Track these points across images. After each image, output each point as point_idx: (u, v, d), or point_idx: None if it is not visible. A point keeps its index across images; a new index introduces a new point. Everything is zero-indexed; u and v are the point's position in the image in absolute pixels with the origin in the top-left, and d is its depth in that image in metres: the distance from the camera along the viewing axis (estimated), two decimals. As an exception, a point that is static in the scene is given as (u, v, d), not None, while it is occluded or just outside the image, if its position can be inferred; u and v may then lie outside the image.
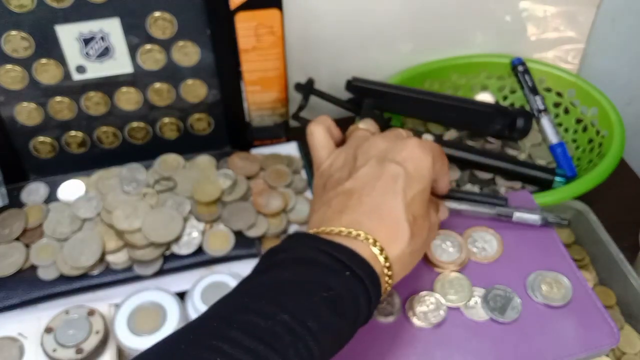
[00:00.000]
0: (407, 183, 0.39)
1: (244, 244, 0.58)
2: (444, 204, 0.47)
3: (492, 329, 0.43)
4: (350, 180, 0.40)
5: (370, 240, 0.37)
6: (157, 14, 0.58)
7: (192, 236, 0.58)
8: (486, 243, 0.49)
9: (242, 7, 0.60)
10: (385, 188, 0.39)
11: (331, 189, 0.41)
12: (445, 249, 0.48)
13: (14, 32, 0.56)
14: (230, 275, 0.53)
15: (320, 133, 0.45)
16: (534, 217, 0.49)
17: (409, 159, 0.40)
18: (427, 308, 0.44)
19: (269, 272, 0.36)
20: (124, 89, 0.63)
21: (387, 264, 0.37)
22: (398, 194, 0.39)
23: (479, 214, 0.50)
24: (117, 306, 0.51)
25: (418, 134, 0.61)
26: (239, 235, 0.59)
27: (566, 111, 0.73)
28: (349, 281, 0.35)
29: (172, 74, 0.63)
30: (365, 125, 0.46)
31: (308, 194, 0.64)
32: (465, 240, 0.49)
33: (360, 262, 0.36)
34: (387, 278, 0.37)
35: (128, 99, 0.63)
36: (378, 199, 0.39)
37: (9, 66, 0.58)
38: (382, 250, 0.37)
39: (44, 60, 0.59)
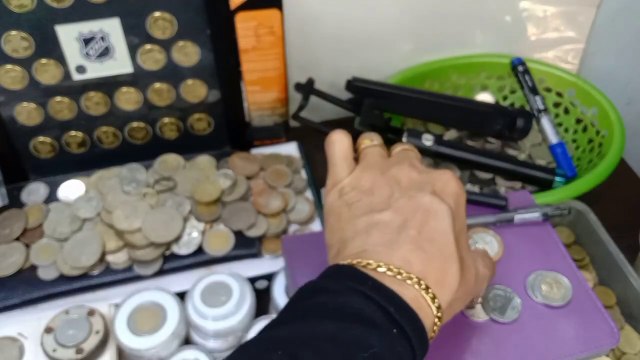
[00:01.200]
0: (452, 218, 0.35)
1: (244, 244, 0.58)
2: (489, 257, 0.42)
3: (492, 329, 0.43)
4: (389, 211, 0.36)
5: (423, 286, 0.33)
6: (157, 14, 0.58)
7: (192, 236, 0.58)
8: (487, 244, 0.48)
9: (242, 7, 0.60)
10: (430, 223, 0.35)
11: (362, 214, 0.36)
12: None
13: (14, 32, 0.56)
14: (230, 276, 0.53)
15: (344, 143, 0.40)
16: (534, 215, 0.49)
17: (448, 194, 0.37)
18: (427, 308, 0.44)
19: (308, 320, 0.32)
20: (124, 89, 0.63)
21: (439, 314, 0.33)
22: (446, 230, 0.35)
23: (479, 224, 0.50)
24: (117, 306, 0.51)
25: (418, 134, 0.61)
26: (239, 235, 0.59)
27: (566, 111, 0.73)
28: (394, 340, 0.31)
29: (172, 74, 0.63)
30: (376, 141, 0.42)
31: (308, 194, 0.64)
32: (466, 241, 0.49)
33: (409, 316, 0.32)
34: (435, 327, 0.34)
35: (128, 99, 0.63)
36: (426, 235, 0.35)
37: (9, 66, 0.58)
38: (434, 298, 0.33)
39: (44, 60, 0.59)
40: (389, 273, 0.33)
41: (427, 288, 0.33)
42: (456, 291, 0.35)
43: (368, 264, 0.33)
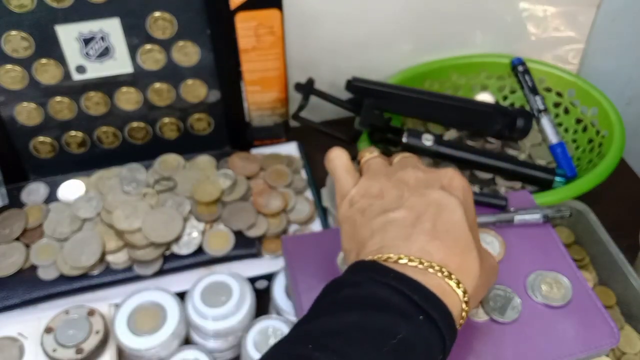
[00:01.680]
0: (463, 210, 0.37)
1: (244, 244, 0.58)
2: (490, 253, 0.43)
3: (492, 329, 0.43)
4: (401, 209, 0.37)
5: (445, 273, 0.34)
6: (157, 14, 0.58)
7: (192, 236, 0.58)
8: (487, 245, 0.48)
9: (242, 7, 0.60)
10: (443, 216, 0.36)
11: (376, 215, 0.38)
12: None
13: (14, 32, 0.56)
14: (230, 276, 0.53)
15: (343, 157, 0.42)
16: (535, 217, 0.49)
17: (455, 188, 0.38)
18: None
19: (336, 313, 0.33)
20: (124, 89, 0.63)
21: (466, 299, 0.34)
22: (460, 221, 0.36)
23: (480, 225, 0.50)
24: (117, 306, 0.51)
25: (418, 134, 0.61)
26: (239, 235, 0.59)
27: (566, 111, 0.73)
28: (422, 327, 0.32)
29: (172, 74, 0.63)
30: (375, 152, 0.43)
31: (308, 194, 0.64)
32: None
33: (435, 302, 0.33)
34: (464, 313, 0.34)
35: (128, 99, 0.63)
36: (441, 227, 0.36)
37: (9, 66, 0.58)
38: (459, 283, 0.34)
39: (44, 60, 0.59)
40: (410, 264, 0.34)
41: (450, 274, 0.34)
42: (479, 277, 0.35)
43: (389, 257, 0.34)
